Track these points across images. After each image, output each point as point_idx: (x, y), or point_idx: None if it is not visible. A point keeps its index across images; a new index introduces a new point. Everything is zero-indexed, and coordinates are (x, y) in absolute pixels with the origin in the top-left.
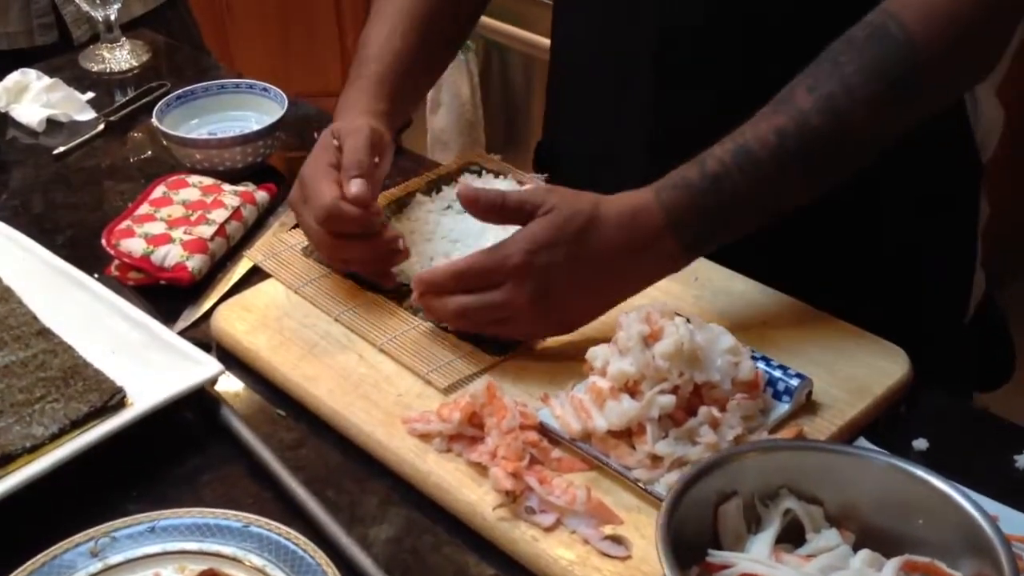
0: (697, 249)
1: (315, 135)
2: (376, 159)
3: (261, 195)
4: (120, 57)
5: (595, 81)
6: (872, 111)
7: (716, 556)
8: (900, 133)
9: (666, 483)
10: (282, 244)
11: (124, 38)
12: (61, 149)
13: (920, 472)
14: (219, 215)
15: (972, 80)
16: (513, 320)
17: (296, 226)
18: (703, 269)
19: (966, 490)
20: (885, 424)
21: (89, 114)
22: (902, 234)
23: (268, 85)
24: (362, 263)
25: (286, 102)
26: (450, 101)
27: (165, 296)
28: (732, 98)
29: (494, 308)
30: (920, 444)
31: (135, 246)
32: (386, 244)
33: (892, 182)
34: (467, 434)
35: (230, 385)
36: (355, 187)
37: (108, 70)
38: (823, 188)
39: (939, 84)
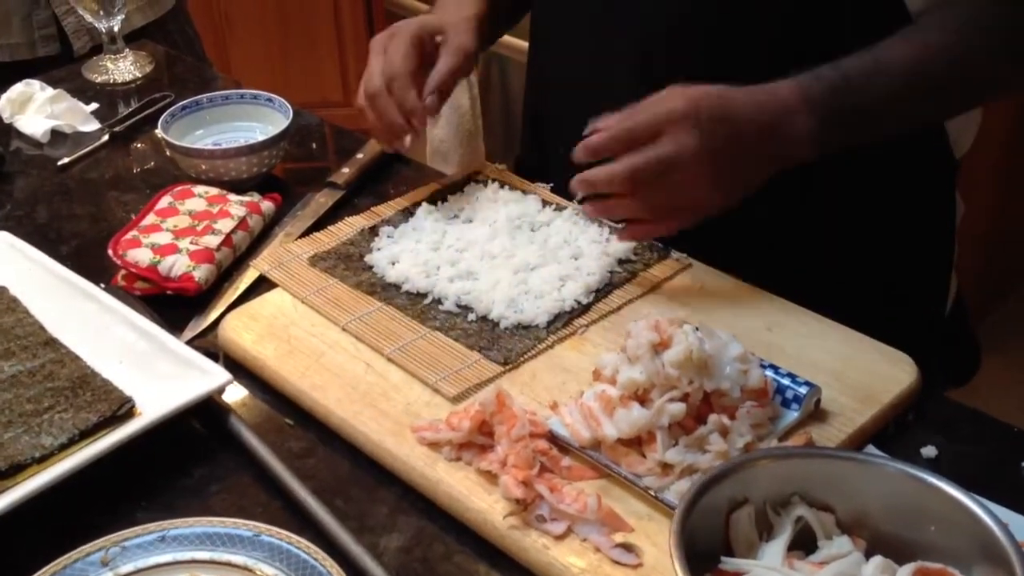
0: (829, 126)
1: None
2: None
3: (267, 205)
4: (123, 68)
5: (577, 90)
6: (992, 49)
7: (729, 563)
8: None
9: (676, 491)
10: (288, 254)
11: (127, 49)
12: (65, 160)
13: (932, 479)
14: (225, 225)
15: None
16: (683, 180)
17: (301, 236)
18: (709, 278)
19: (978, 497)
20: (893, 432)
21: (93, 125)
22: (880, 230)
23: (273, 95)
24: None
25: (291, 112)
26: (450, 112)
27: (172, 306)
28: None
29: (663, 162)
30: (928, 451)
31: (142, 256)
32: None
33: (867, 174)
34: (477, 442)
35: (238, 395)
36: (429, 101)
37: (111, 81)
38: (941, 105)
39: None
